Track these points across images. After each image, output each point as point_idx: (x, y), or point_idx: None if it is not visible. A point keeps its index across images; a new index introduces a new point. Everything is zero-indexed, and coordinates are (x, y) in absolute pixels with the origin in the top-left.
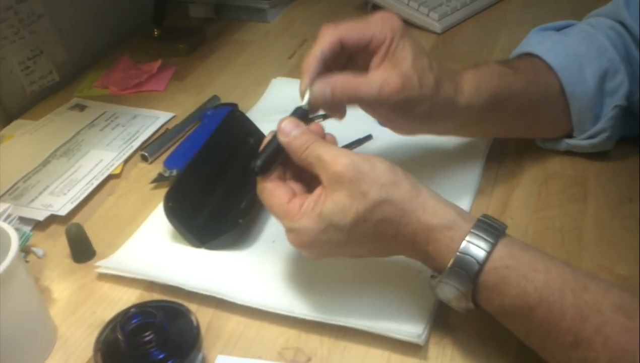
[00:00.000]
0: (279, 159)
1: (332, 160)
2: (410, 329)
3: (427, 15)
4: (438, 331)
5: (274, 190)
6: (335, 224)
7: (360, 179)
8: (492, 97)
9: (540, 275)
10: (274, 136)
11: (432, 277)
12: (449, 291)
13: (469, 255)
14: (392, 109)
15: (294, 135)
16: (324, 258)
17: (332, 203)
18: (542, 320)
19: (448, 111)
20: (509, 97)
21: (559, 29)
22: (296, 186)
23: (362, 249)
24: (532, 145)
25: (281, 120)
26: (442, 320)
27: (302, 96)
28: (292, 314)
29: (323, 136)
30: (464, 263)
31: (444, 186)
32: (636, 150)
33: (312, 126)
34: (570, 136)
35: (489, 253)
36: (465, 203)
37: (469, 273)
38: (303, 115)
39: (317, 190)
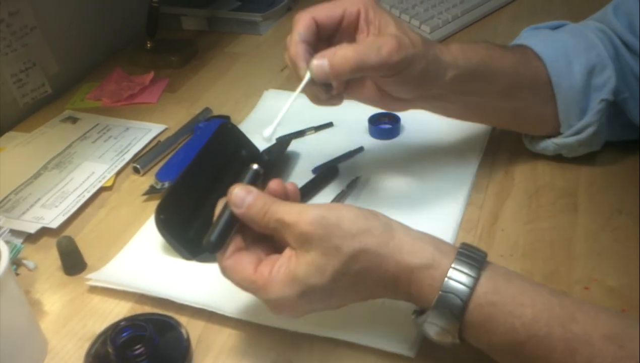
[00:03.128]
0: (234, 228)
1: (295, 221)
2: (401, 341)
3: (419, 27)
4: (428, 343)
5: (235, 266)
6: (313, 285)
7: (331, 234)
8: (479, 64)
9: (527, 310)
10: (225, 206)
11: (417, 315)
12: (433, 330)
13: (452, 292)
14: (391, 72)
15: (247, 204)
16: (308, 314)
17: (305, 265)
18: (532, 355)
19: (438, 69)
20: (497, 71)
21: (552, 29)
22: (260, 248)
23: (346, 299)
24: (523, 156)
25: (231, 189)
26: None
27: (303, 77)
28: (283, 327)
29: (284, 191)
30: (447, 302)
31: (435, 197)
32: (626, 160)
33: (271, 184)
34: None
35: (472, 289)
36: (456, 215)
37: (453, 311)
38: (255, 176)
39: (286, 252)
